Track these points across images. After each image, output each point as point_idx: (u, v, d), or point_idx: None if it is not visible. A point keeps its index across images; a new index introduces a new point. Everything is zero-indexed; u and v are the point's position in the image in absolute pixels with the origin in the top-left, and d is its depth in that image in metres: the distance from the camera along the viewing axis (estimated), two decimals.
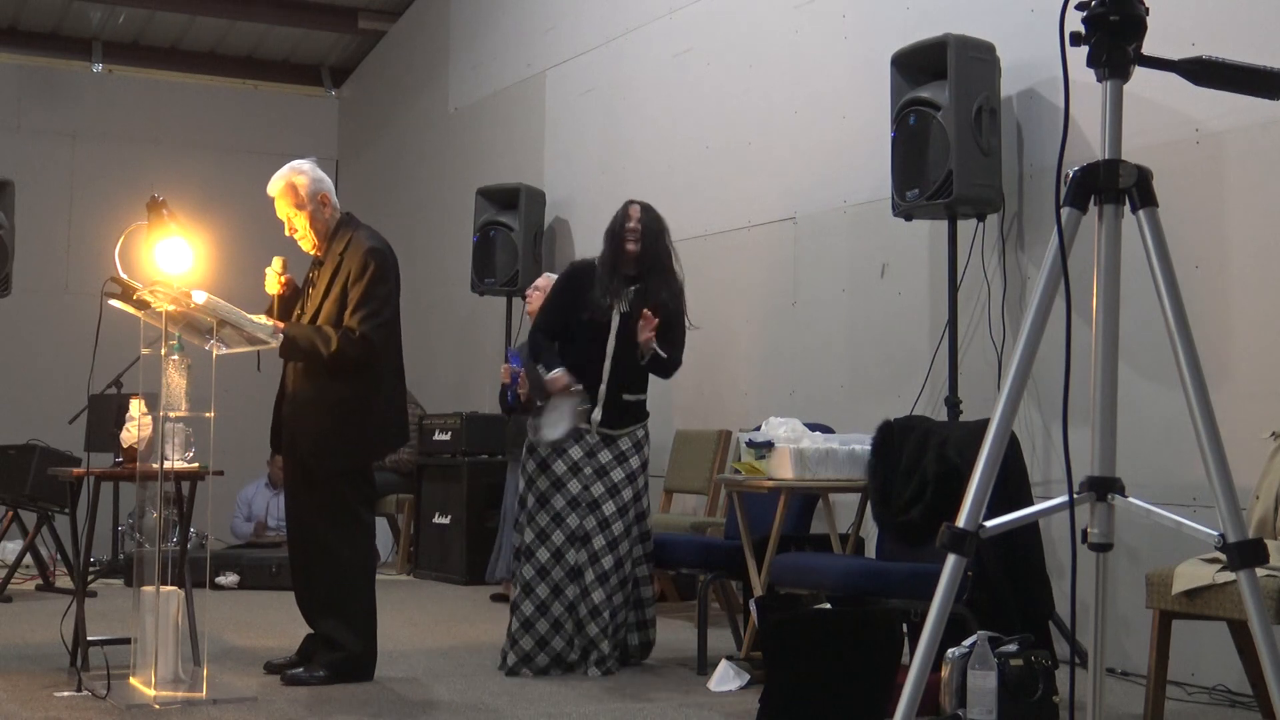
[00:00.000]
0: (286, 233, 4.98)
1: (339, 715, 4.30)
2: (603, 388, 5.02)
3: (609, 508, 5.02)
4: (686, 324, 5.19)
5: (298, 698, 4.56)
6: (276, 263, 4.97)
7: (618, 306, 5.04)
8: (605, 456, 5.05)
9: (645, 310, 4.96)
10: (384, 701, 4.54)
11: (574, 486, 5.02)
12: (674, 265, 5.19)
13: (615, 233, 5.14)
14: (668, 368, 5.13)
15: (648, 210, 5.18)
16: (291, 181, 4.89)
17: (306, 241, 4.95)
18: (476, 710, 4.42)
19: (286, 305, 4.98)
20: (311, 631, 4.98)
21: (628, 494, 5.06)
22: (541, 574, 5.00)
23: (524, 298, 7.46)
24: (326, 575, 4.88)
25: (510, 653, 5.00)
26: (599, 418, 5.02)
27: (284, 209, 4.92)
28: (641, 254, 5.09)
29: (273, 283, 4.97)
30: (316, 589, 4.91)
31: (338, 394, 4.81)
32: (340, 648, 4.83)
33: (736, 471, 5.24)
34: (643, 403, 5.18)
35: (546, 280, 7.48)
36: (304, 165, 4.96)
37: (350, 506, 4.90)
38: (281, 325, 4.75)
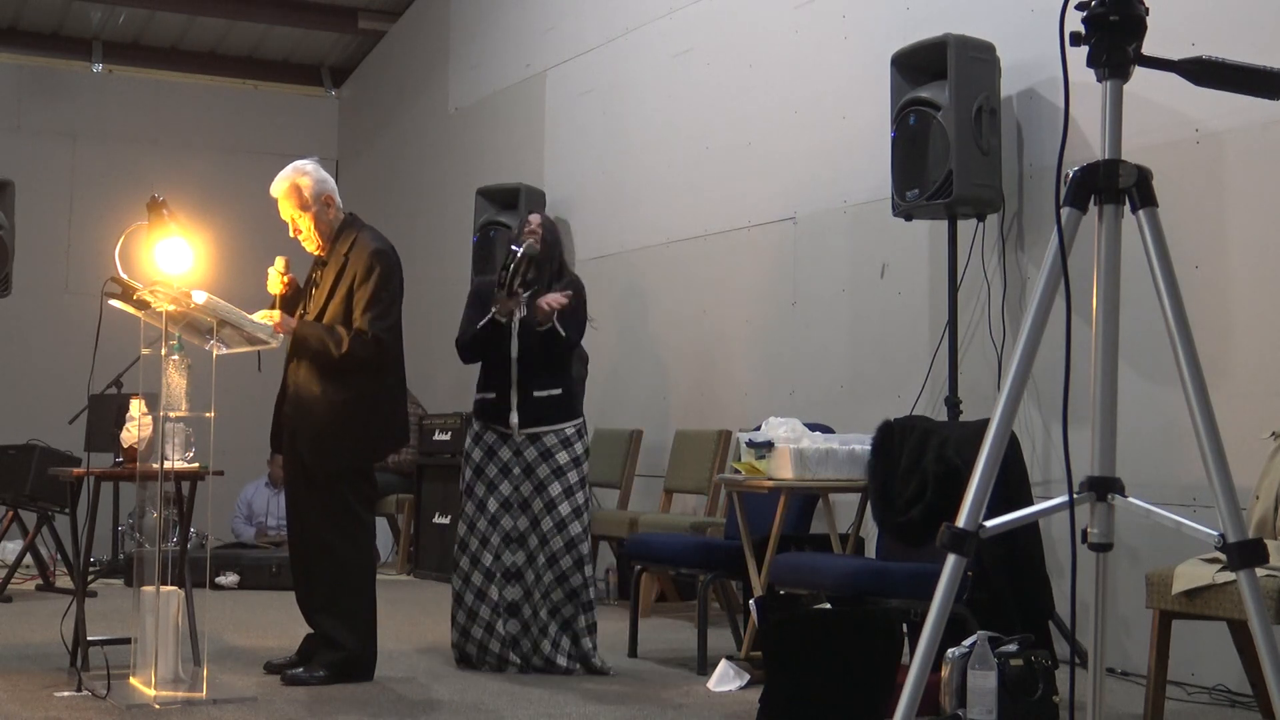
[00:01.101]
0: (290, 234, 4.97)
1: (339, 715, 4.30)
2: (513, 390, 5.13)
3: (537, 504, 5.13)
4: (589, 321, 5.36)
5: (298, 698, 4.56)
6: (279, 262, 4.96)
7: (516, 311, 5.12)
8: (531, 454, 5.14)
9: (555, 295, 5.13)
10: (384, 701, 4.54)
11: (505, 488, 5.15)
12: (571, 271, 5.46)
13: (513, 237, 5.34)
14: (561, 344, 5.16)
15: (546, 219, 5.39)
16: (295, 183, 4.89)
17: (310, 243, 4.95)
18: (476, 710, 4.42)
19: (288, 305, 4.98)
20: (311, 631, 4.97)
21: (554, 490, 5.12)
22: (489, 577, 5.12)
23: None
24: (327, 575, 4.87)
25: (467, 644, 5.17)
26: (516, 421, 5.12)
27: (288, 210, 4.91)
28: (539, 255, 5.19)
29: (275, 282, 4.96)
30: (317, 589, 4.90)
31: (341, 394, 4.82)
32: (340, 647, 4.83)
33: (736, 471, 5.24)
34: (559, 399, 5.20)
35: None
36: (307, 166, 4.94)
37: (351, 507, 4.91)
38: (294, 323, 4.78)
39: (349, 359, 4.75)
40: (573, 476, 5.17)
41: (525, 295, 5.11)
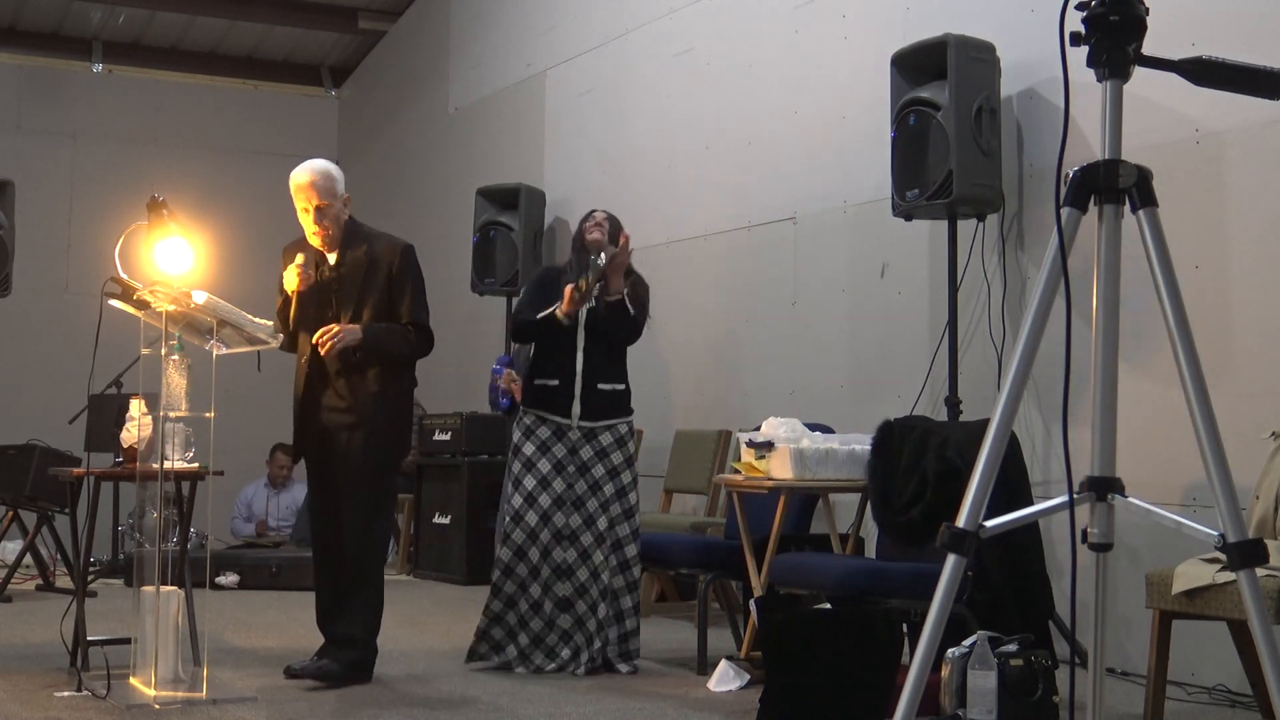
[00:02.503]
0: (311, 223, 4.82)
1: (339, 715, 4.30)
2: (577, 381, 5.10)
3: (592, 504, 5.10)
4: (648, 316, 5.32)
5: (298, 697, 4.56)
6: (300, 258, 4.83)
7: (583, 303, 5.09)
8: (587, 453, 5.11)
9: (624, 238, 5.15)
10: (384, 701, 4.54)
11: (559, 484, 5.09)
12: (634, 270, 5.39)
13: (580, 233, 5.34)
14: (626, 326, 5.14)
15: (611, 216, 5.38)
16: (330, 173, 4.86)
17: (325, 237, 4.84)
18: (476, 710, 4.42)
19: (303, 302, 4.89)
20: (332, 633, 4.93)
21: (609, 490, 5.11)
22: (534, 574, 5.08)
23: None
24: (361, 575, 4.84)
25: (494, 628, 5.12)
26: (578, 412, 5.09)
27: (315, 199, 4.80)
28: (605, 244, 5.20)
29: (293, 278, 4.81)
30: (348, 590, 4.84)
31: (395, 388, 4.86)
32: (357, 646, 4.81)
33: (736, 471, 5.25)
34: (621, 394, 5.22)
35: None
36: (328, 162, 4.95)
37: (387, 504, 5.02)
38: (358, 330, 4.73)
39: (415, 355, 4.88)
40: (626, 477, 5.16)
41: (596, 287, 5.06)
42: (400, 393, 4.91)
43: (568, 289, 5.06)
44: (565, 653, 5.09)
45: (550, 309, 5.10)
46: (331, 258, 4.88)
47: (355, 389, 4.80)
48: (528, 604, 5.09)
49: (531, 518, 5.07)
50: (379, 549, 4.94)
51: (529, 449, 5.12)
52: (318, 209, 4.81)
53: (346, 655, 4.78)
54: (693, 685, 4.91)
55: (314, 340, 4.76)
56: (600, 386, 5.14)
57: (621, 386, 5.23)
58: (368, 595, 4.84)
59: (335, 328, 4.72)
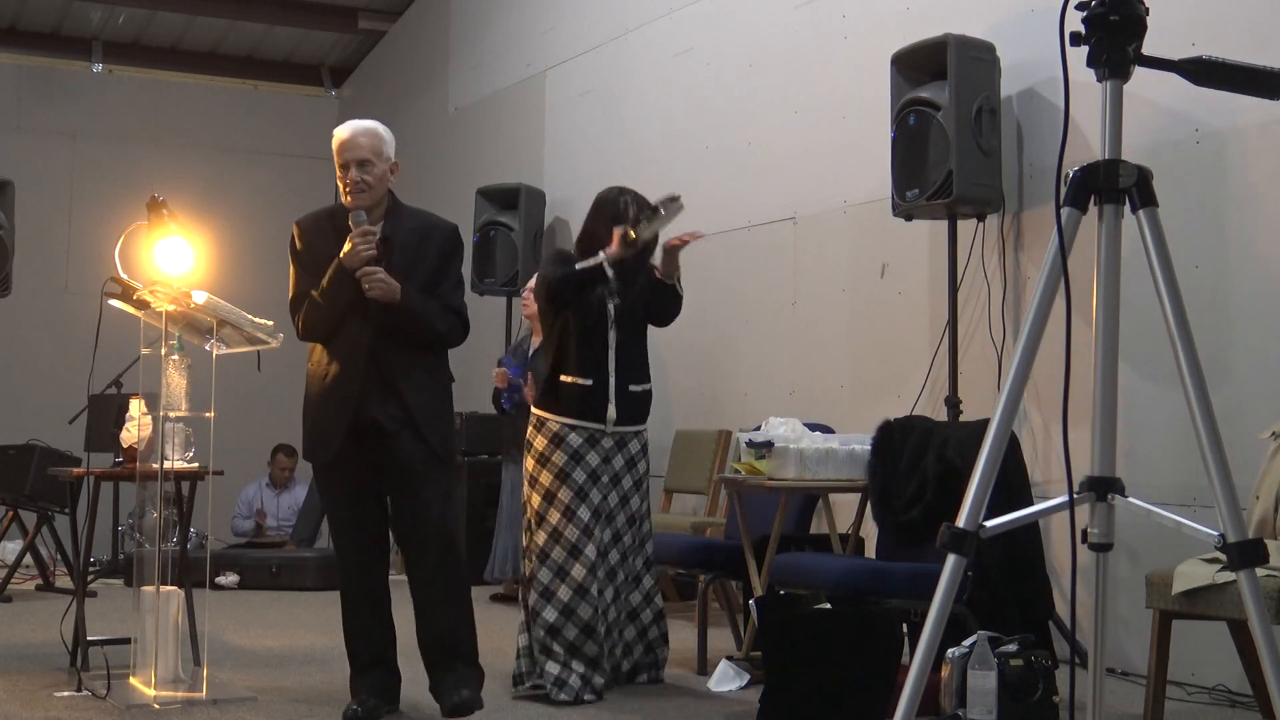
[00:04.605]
0: (352, 177, 4.20)
1: (339, 715, 4.29)
2: (612, 381, 4.69)
3: (620, 519, 4.74)
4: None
5: (298, 697, 4.56)
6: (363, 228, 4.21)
7: (610, 299, 4.73)
8: (619, 463, 4.72)
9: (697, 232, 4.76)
10: None
11: (595, 496, 4.66)
12: None
13: (619, 216, 4.76)
14: (671, 308, 4.85)
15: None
16: (380, 133, 4.30)
17: (367, 196, 4.23)
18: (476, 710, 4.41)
19: (348, 280, 4.25)
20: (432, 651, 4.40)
21: (635, 502, 4.79)
22: (580, 592, 4.60)
23: (522, 299, 7.45)
24: (458, 578, 4.36)
25: (546, 675, 4.61)
26: (614, 415, 4.67)
27: (365, 152, 4.23)
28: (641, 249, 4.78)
29: (361, 251, 4.19)
30: (452, 598, 4.35)
31: (444, 376, 4.41)
32: (476, 663, 4.36)
33: (736, 471, 5.24)
34: (649, 396, 4.86)
35: None
36: (383, 127, 4.38)
37: (455, 510, 4.53)
38: (395, 286, 4.16)
39: (450, 339, 4.36)
40: (645, 485, 4.84)
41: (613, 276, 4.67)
42: (448, 380, 4.43)
43: (616, 231, 4.62)
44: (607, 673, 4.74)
45: (594, 260, 4.64)
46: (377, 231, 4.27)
47: (407, 377, 4.23)
48: (576, 629, 4.61)
49: (572, 532, 4.60)
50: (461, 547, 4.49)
51: (559, 458, 4.63)
52: (360, 163, 4.22)
53: (475, 676, 4.33)
54: (693, 685, 4.90)
55: (357, 277, 4.15)
56: (632, 388, 4.75)
57: (649, 386, 4.85)
58: (468, 597, 4.38)
59: (382, 273, 4.17)
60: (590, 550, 4.61)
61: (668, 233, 4.78)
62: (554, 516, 4.62)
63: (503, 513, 7.46)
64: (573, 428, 4.64)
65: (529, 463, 4.73)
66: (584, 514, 4.62)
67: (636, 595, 4.86)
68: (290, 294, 4.35)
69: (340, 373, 4.22)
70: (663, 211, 4.64)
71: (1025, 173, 5.71)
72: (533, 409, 4.81)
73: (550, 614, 4.60)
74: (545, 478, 4.64)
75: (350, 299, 4.19)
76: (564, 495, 4.62)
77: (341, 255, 4.18)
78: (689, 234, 4.73)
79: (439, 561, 4.29)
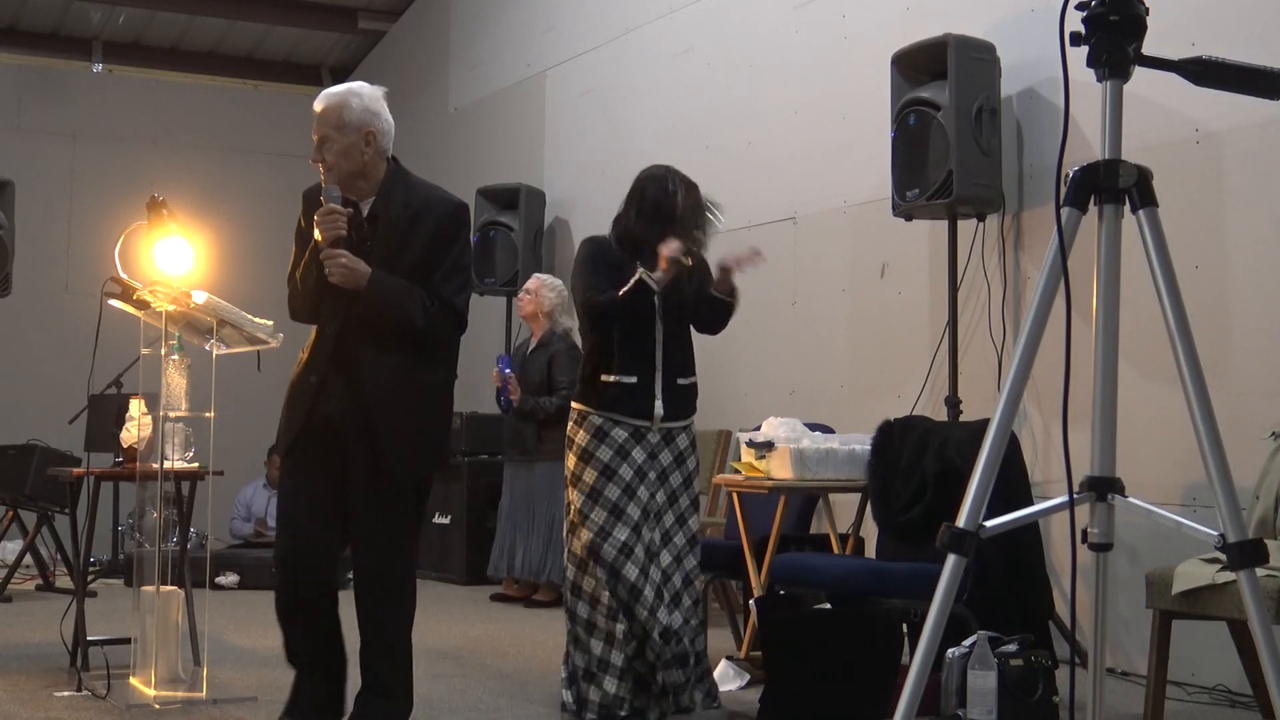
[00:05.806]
0: (315, 157, 3.87)
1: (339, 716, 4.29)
2: (659, 376, 4.41)
3: (669, 518, 4.40)
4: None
5: None
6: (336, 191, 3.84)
7: (655, 288, 4.41)
8: (666, 459, 4.41)
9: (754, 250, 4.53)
10: None
11: (643, 494, 4.35)
12: None
13: (664, 207, 4.50)
14: (727, 316, 4.67)
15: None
16: (345, 100, 3.84)
17: (333, 174, 3.83)
18: (476, 710, 4.41)
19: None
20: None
21: (684, 501, 4.45)
22: (633, 594, 4.25)
23: (518, 300, 7.45)
24: (395, 616, 3.98)
25: (598, 700, 4.28)
26: (661, 412, 4.38)
27: (325, 128, 3.83)
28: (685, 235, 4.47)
29: (330, 228, 3.78)
30: (382, 633, 3.98)
31: (426, 378, 3.86)
32: (400, 699, 3.99)
33: (736, 471, 5.24)
34: (695, 389, 4.57)
35: (537, 282, 7.47)
36: (365, 90, 3.90)
37: (417, 525, 4.00)
38: (363, 269, 3.75)
39: (427, 331, 3.79)
40: (696, 485, 4.53)
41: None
42: (439, 381, 3.92)
43: (664, 251, 4.33)
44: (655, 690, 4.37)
45: (634, 279, 4.35)
46: (364, 209, 3.89)
47: (367, 373, 3.78)
48: (635, 637, 4.28)
49: (622, 532, 4.28)
50: (412, 583, 4.00)
51: (604, 454, 4.33)
52: (320, 140, 3.83)
53: (385, 707, 4.00)
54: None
55: (321, 259, 3.77)
56: (679, 382, 4.46)
57: (695, 379, 4.56)
58: (406, 638, 4.04)
59: (346, 256, 3.75)
60: (639, 550, 4.30)
61: (717, 243, 4.65)
62: (598, 515, 4.30)
63: (503, 513, 7.46)
64: (617, 422, 4.36)
65: (570, 460, 4.43)
66: (633, 512, 4.31)
67: (693, 611, 4.42)
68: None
69: (307, 361, 3.88)
70: (717, 225, 4.48)
71: (1025, 173, 5.71)
72: (573, 403, 4.51)
73: (605, 624, 4.30)
74: (589, 475, 4.34)
75: (318, 282, 3.81)
76: (611, 493, 4.31)
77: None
78: (749, 256, 4.50)
79: (369, 598, 3.91)
